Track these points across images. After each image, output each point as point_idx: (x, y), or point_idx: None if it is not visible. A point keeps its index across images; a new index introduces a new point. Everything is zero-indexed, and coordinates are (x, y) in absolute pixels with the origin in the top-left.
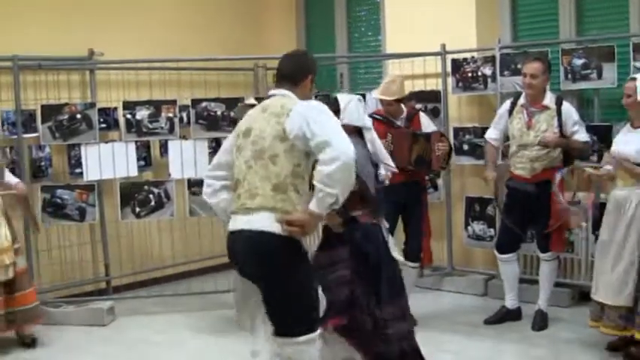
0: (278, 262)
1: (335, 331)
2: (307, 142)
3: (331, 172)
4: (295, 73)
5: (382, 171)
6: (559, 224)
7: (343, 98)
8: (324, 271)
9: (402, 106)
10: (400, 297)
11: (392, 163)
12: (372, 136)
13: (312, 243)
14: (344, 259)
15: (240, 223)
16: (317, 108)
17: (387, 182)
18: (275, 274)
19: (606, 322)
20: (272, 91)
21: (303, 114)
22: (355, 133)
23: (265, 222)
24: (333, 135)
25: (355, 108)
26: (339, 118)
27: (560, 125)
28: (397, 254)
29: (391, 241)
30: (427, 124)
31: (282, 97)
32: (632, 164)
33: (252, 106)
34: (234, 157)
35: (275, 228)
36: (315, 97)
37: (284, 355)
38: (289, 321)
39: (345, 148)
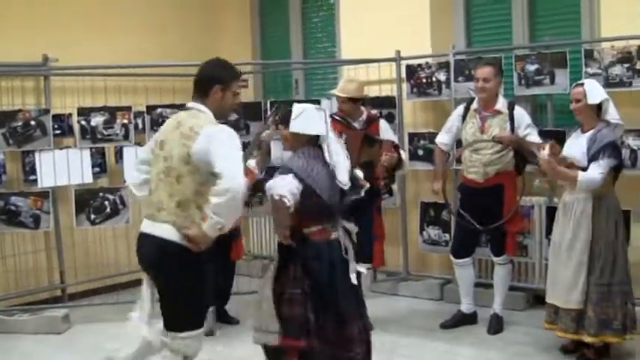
0: (173, 265)
1: (287, 352)
2: (201, 167)
3: (220, 203)
4: (202, 83)
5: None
6: (514, 210)
7: (297, 107)
8: (282, 288)
9: (362, 108)
10: (346, 324)
11: (360, 173)
12: (331, 148)
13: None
14: (296, 277)
15: (148, 228)
16: (220, 137)
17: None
18: (169, 275)
19: (560, 326)
20: (188, 103)
21: (208, 141)
22: (311, 144)
23: (168, 233)
24: (227, 167)
25: (309, 116)
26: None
27: (513, 129)
28: (360, 267)
29: (351, 254)
30: (385, 132)
31: (195, 115)
32: (565, 169)
33: None
34: (151, 162)
35: (174, 237)
36: (272, 104)
37: (172, 346)
38: (176, 318)
39: (236, 181)
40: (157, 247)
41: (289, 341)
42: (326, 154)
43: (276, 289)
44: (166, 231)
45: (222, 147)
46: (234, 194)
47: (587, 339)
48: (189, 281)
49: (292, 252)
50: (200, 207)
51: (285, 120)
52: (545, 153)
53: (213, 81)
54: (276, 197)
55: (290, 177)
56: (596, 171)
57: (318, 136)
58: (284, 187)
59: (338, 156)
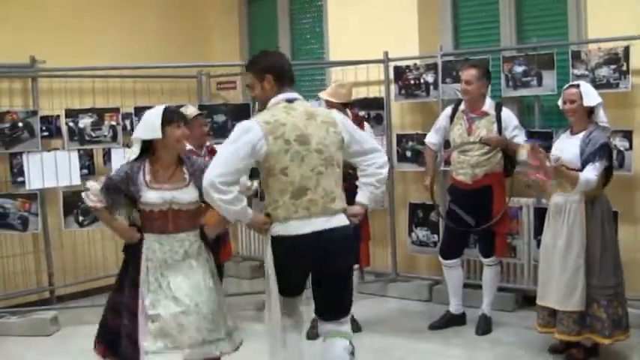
0: (354, 247)
1: None
2: (350, 148)
3: (384, 175)
4: (292, 73)
5: None
6: (502, 214)
7: None
8: None
9: (348, 111)
10: None
11: None
12: None
13: None
14: None
15: (327, 223)
16: (348, 121)
17: None
18: (352, 258)
19: (561, 328)
20: (289, 95)
21: (346, 125)
22: None
23: (346, 220)
24: (374, 143)
25: None
26: None
27: (500, 131)
28: None
29: None
30: (369, 133)
31: (312, 105)
32: (568, 169)
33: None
34: (282, 164)
35: (347, 221)
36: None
37: (347, 332)
38: (349, 299)
39: (382, 152)
40: (345, 236)
41: None
42: None
43: None
44: (343, 219)
45: (355, 128)
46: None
47: (603, 340)
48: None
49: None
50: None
51: None
52: (524, 153)
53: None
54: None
55: None
56: (592, 172)
57: None
58: None
59: None
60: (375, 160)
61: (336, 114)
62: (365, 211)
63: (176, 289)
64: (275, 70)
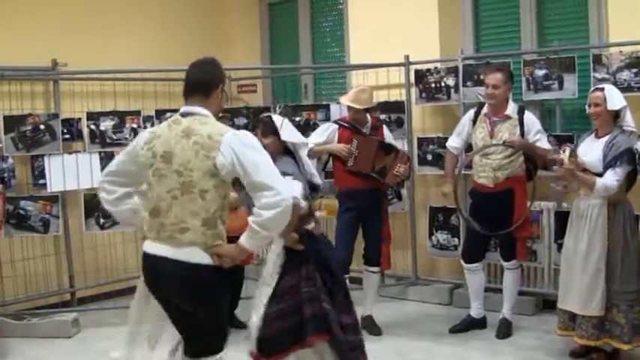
0: (210, 292)
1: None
2: (240, 178)
3: (271, 217)
4: (207, 83)
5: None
6: (524, 218)
7: (277, 118)
8: (294, 290)
9: (368, 115)
10: (353, 307)
11: (318, 179)
12: (302, 155)
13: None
14: (309, 277)
15: (165, 251)
16: (248, 143)
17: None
18: (205, 302)
19: (580, 333)
20: (186, 108)
21: (235, 149)
22: (283, 150)
23: (197, 257)
24: (271, 177)
25: (291, 126)
26: (277, 135)
27: (523, 134)
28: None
29: None
30: (388, 137)
31: (203, 120)
32: (585, 175)
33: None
34: (148, 178)
35: (206, 260)
36: (284, 107)
37: None
38: (207, 342)
39: (285, 192)
40: (184, 273)
41: (313, 338)
42: (302, 158)
43: (290, 293)
44: (194, 254)
45: (255, 155)
46: (286, 206)
47: (622, 346)
48: (222, 300)
49: (302, 253)
50: (224, 221)
51: (268, 128)
52: (564, 157)
53: (218, 80)
54: (294, 202)
55: (292, 181)
56: (613, 178)
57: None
58: (296, 192)
59: (309, 167)
60: (263, 200)
61: (230, 137)
62: (244, 253)
63: None
64: (186, 81)
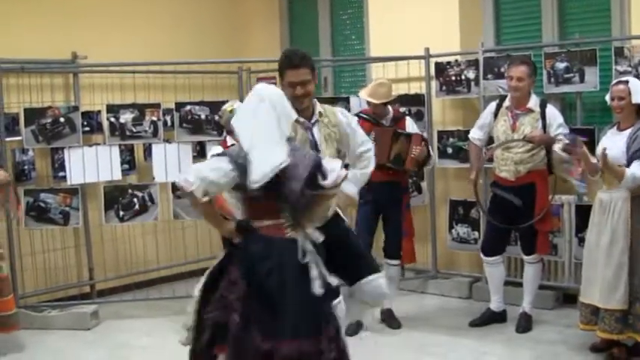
0: None
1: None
2: None
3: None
4: None
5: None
6: (545, 211)
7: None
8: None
9: (389, 107)
10: (319, 334)
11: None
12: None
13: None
14: (232, 281)
15: None
16: None
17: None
18: None
19: (602, 327)
20: None
21: None
22: None
23: None
24: None
25: None
26: None
27: (545, 128)
28: (333, 279)
29: (323, 267)
30: (412, 129)
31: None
32: (615, 165)
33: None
34: None
35: None
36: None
37: None
38: None
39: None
40: None
41: (220, 349)
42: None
43: (214, 293)
44: None
45: None
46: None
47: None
48: None
49: (236, 251)
50: None
51: None
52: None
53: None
54: (181, 181)
55: (222, 160)
56: (639, 168)
57: None
58: (201, 172)
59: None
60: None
61: None
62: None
63: None
64: None
